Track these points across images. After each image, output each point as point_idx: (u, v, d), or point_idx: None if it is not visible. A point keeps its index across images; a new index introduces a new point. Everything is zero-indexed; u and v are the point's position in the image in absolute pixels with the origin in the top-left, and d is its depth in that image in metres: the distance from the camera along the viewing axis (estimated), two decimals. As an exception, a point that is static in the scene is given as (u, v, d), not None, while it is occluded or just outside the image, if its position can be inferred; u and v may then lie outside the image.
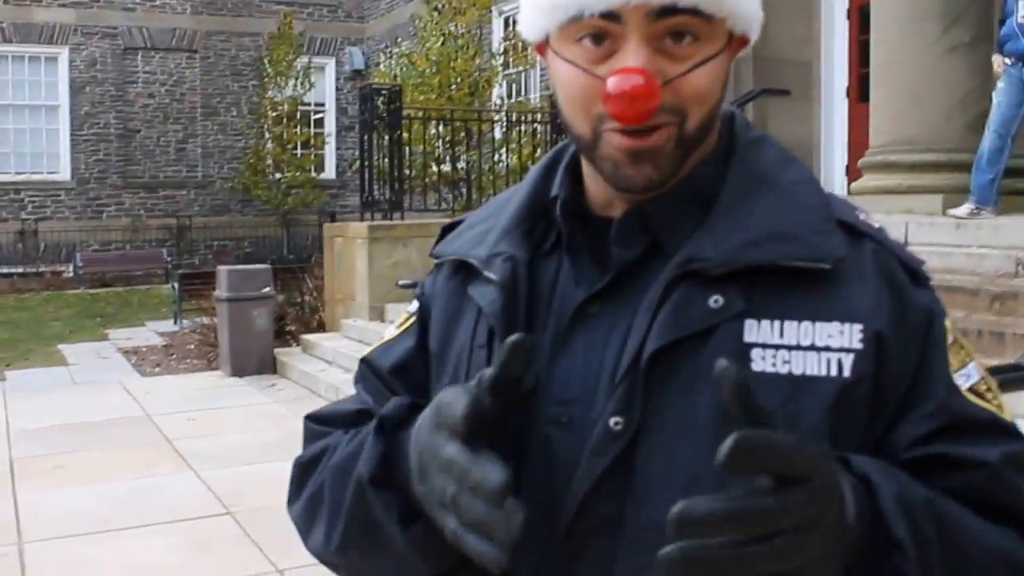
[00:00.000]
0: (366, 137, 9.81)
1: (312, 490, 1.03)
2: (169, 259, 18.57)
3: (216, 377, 9.16)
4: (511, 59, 12.50)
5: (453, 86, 11.17)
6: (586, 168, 0.99)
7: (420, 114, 10.51)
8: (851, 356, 0.87)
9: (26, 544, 4.87)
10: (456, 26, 11.59)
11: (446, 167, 11.16)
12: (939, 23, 7.85)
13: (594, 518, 0.89)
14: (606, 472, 0.88)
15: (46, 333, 12.29)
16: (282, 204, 18.77)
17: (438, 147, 10.90)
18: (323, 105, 21.07)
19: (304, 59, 19.34)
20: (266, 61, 19.60)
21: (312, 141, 19.73)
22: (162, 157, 20.06)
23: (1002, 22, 6.98)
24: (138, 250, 19.28)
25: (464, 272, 1.03)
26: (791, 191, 0.94)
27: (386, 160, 9.88)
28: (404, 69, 11.64)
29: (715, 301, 0.88)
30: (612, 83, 0.85)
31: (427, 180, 10.64)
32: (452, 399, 0.84)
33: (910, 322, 0.90)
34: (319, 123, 20.89)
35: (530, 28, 0.96)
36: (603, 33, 0.88)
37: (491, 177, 11.28)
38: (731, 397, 0.73)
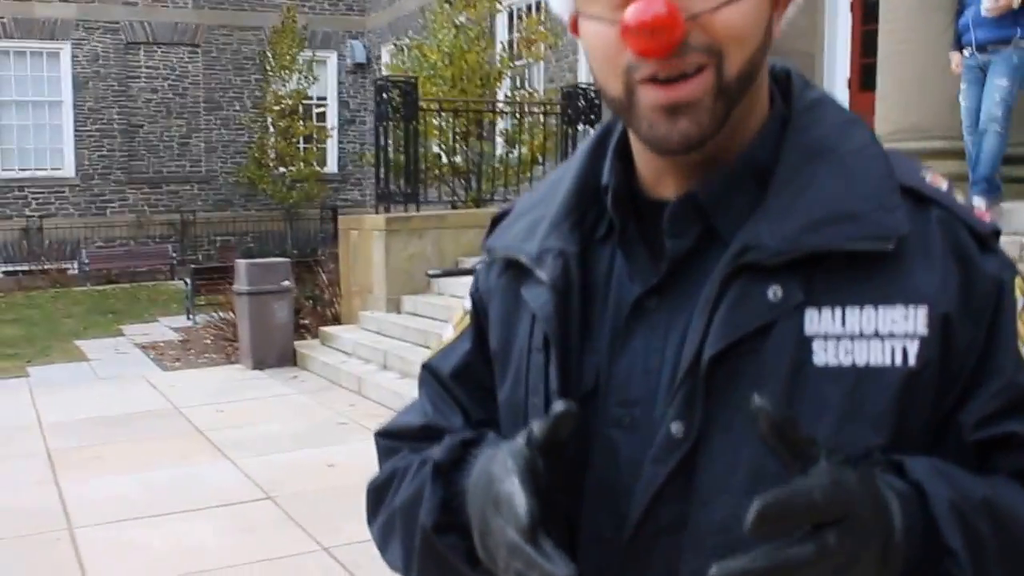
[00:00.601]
0: (381, 130, 10.03)
1: (384, 519, 1.06)
2: (175, 255, 18.80)
3: (237, 370, 9.41)
4: (520, 52, 12.71)
5: (464, 78, 11.38)
6: (634, 143, 0.96)
7: (435, 106, 10.73)
8: (916, 342, 0.85)
9: (76, 529, 5.13)
10: (467, 18, 11.80)
11: (458, 159, 11.38)
12: (948, 13, 8.09)
13: (658, 522, 0.89)
14: (669, 478, 0.88)
15: (61, 330, 12.53)
16: (287, 198, 18.98)
17: (451, 139, 11.12)
18: (324, 99, 21.27)
19: (308, 52, 19.52)
20: (269, 55, 19.80)
21: (316, 135, 19.91)
22: (165, 152, 20.27)
23: (959, 13, 7.13)
24: (143, 246, 19.51)
25: (516, 269, 1.02)
26: (851, 161, 0.90)
27: (401, 153, 10.10)
28: (415, 61, 11.84)
29: (774, 294, 0.86)
30: (630, 13, 0.81)
31: (441, 172, 10.87)
32: (499, 476, 0.85)
33: (978, 296, 0.87)
34: (320, 117, 21.09)
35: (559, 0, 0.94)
36: None
37: (502, 168, 11.52)
38: (771, 435, 0.75)
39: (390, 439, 1.11)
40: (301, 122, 19.31)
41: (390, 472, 1.06)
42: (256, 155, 19.42)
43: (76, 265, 18.89)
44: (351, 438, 6.56)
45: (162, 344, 11.16)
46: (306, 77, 19.20)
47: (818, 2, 11.56)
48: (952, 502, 0.82)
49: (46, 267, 18.43)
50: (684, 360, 0.88)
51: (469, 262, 8.87)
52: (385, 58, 21.12)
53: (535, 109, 11.67)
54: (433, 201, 11.11)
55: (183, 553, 4.78)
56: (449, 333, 1.12)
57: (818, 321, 0.85)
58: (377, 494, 1.07)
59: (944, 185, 0.92)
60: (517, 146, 11.37)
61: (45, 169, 19.59)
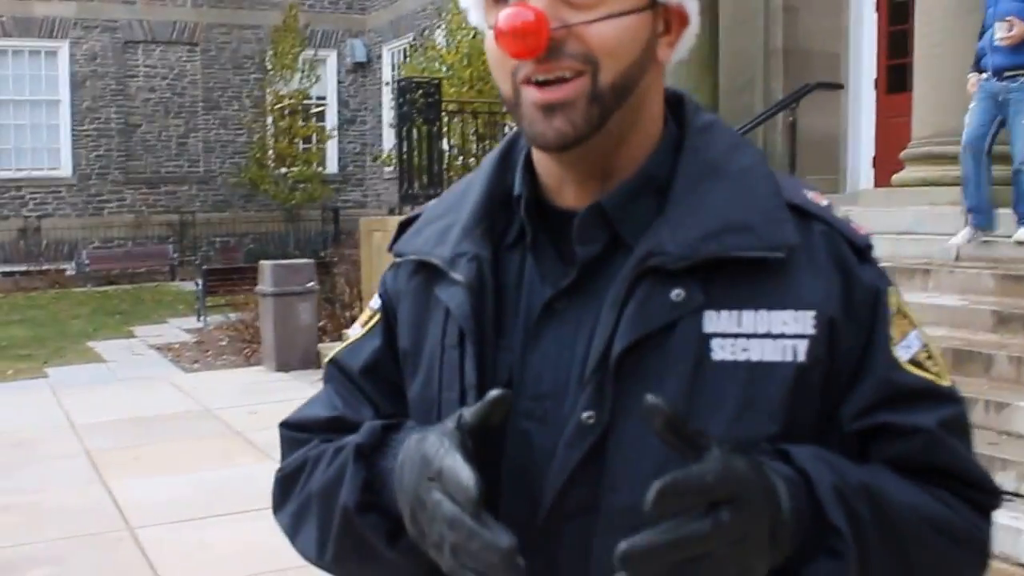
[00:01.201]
0: (404, 131, 10.03)
1: (296, 506, 1.08)
2: (176, 255, 18.73)
3: (261, 372, 9.41)
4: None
5: (481, 79, 11.39)
6: (536, 154, 1.03)
7: (457, 107, 10.74)
8: (805, 342, 0.94)
9: (137, 530, 5.13)
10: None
11: (472, 161, 11.39)
12: (982, 17, 8.19)
13: (571, 504, 0.95)
14: (581, 462, 0.94)
15: (70, 331, 12.47)
16: (289, 199, 18.94)
17: (472, 140, 11.14)
18: (324, 98, 21.24)
19: (310, 52, 19.51)
20: (270, 54, 19.77)
21: (318, 135, 19.89)
22: (163, 152, 20.22)
23: (980, 34, 7.14)
24: (142, 247, 19.45)
25: (428, 271, 1.07)
26: (742, 178, 0.98)
27: (424, 153, 10.09)
28: (432, 62, 11.87)
29: (677, 295, 0.94)
30: (502, 17, 0.90)
31: (461, 173, 10.87)
32: (438, 453, 0.89)
33: (858, 302, 0.97)
34: (319, 116, 21.05)
35: (474, 11, 1.03)
36: None
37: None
38: (664, 430, 0.83)
39: (296, 431, 1.13)
40: (303, 122, 19.27)
41: (302, 460, 1.08)
42: (257, 156, 19.37)
43: (74, 266, 18.81)
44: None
45: (177, 345, 11.12)
46: (308, 76, 19.16)
47: (843, 2, 11.66)
48: (834, 485, 0.90)
49: (44, 268, 18.34)
50: (593, 354, 0.95)
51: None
52: (386, 57, 21.15)
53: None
54: (423, 200, 11.09)
55: (250, 553, 4.78)
56: (357, 330, 1.16)
57: (716, 321, 0.94)
58: (287, 482, 1.10)
59: (824, 202, 1.01)
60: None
61: (42, 169, 19.55)
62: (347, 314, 10.57)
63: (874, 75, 11.54)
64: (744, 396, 0.92)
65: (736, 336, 0.93)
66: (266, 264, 9.48)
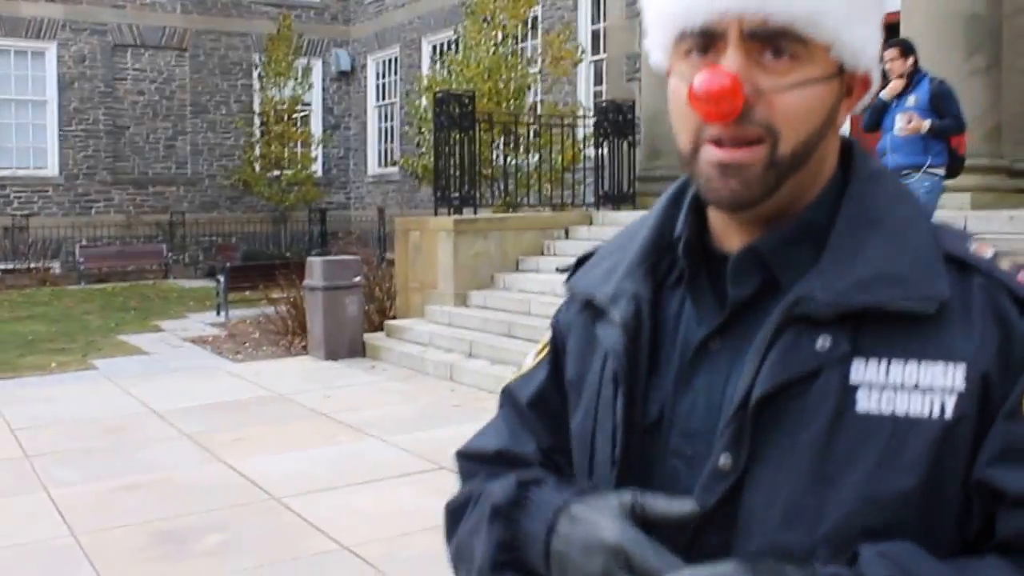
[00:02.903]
0: (441, 138, 10.41)
1: (455, 546, 1.11)
2: (170, 254, 18.76)
3: (310, 361, 9.66)
4: (547, 67, 13.22)
5: (499, 92, 11.84)
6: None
7: (487, 118, 11.15)
8: (954, 396, 0.88)
9: (284, 499, 5.39)
10: (501, 35, 12.26)
11: (498, 165, 11.80)
12: (962, 52, 8.99)
13: (705, 547, 0.93)
14: (716, 506, 0.93)
15: (91, 326, 12.53)
16: (283, 201, 19.10)
17: (498, 148, 11.56)
18: (309, 104, 21.43)
19: (304, 60, 19.70)
20: (260, 61, 19.92)
21: (312, 140, 20.09)
22: (151, 154, 20.21)
23: (882, 135, 7.28)
24: (130, 246, 19.40)
25: (593, 308, 1.08)
26: (900, 230, 0.95)
27: (457, 159, 10.47)
28: (452, 75, 12.27)
29: (822, 343, 0.91)
30: (697, 80, 0.89)
31: (493, 178, 11.27)
32: (629, 540, 0.91)
33: (1014, 356, 0.90)
34: (304, 121, 21.23)
35: (657, 52, 1.01)
36: (707, 45, 0.93)
37: (536, 175, 11.98)
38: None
39: (469, 461, 1.17)
40: (297, 127, 19.46)
41: (467, 495, 1.11)
42: (250, 158, 19.48)
43: (60, 264, 18.73)
44: (476, 417, 6.84)
45: (209, 338, 11.29)
46: (301, 83, 19.36)
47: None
48: None
49: (31, 266, 18.22)
50: (736, 398, 0.93)
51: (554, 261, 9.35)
52: (371, 67, 21.41)
53: (568, 122, 12.14)
54: (485, 205, 11.46)
55: (401, 514, 5.08)
56: (529, 360, 1.19)
57: (864, 371, 0.90)
58: (453, 515, 1.12)
59: (989, 253, 0.96)
60: (551, 155, 11.84)
61: (28, 168, 19.34)
62: (384, 306, 10.85)
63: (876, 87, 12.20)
64: (885, 450, 0.89)
65: (883, 388, 0.90)
66: (316, 260, 9.76)
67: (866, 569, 0.84)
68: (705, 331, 0.99)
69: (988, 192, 8.90)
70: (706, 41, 0.92)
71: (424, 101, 12.67)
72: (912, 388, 0.89)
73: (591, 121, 11.94)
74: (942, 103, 7.02)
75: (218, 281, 12.91)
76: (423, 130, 12.50)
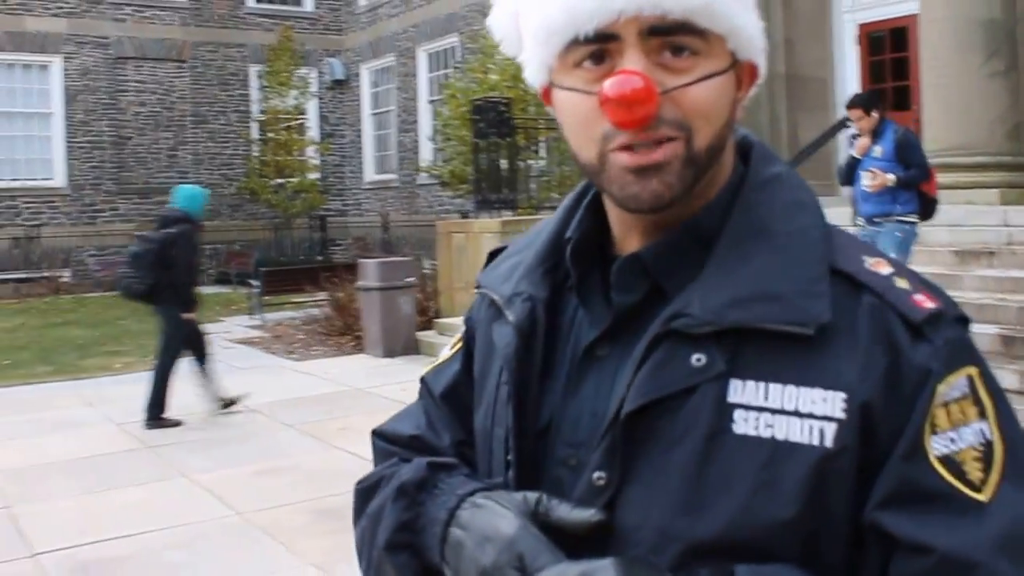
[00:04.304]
0: (480, 144, 10.89)
1: (361, 526, 1.07)
2: (182, 261, 19.00)
3: (369, 359, 10.10)
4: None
5: (522, 100, 12.32)
6: (607, 201, 0.97)
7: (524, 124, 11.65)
8: (833, 425, 0.83)
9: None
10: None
11: (523, 168, 12.29)
12: (981, 54, 9.63)
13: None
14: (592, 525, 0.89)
15: (132, 330, 12.81)
16: (290, 208, 19.43)
17: (529, 151, 12.06)
18: (304, 113, 21.76)
19: (304, 70, 20.04)
20: (257, 71, 20.24)
21: (298, 147, 20.41)
22: (155, 164, 20.43)
23: (853, 183, 7.58)
24: (143, 254, 19.60)
25: (495, 306, 1.04)
26: (787, 243, 0.90)
27: (495, 164, 10.97)
28: (475, 83, 12.73)
29: (697, 360, 0.86)
30: (608, 85, 0.84)
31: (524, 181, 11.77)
32: (526, 542, 0.87)
33: (903, 385, 0.84)
34: (301, 130, 21.53)
35: (535, 68, 0.95)
36: (602, 53, 0.88)
37: (560, 178, 12.51)
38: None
39: (385, 441, 1.13)
40: (298, 135, 19.81)
41: (377, 477, 1.07)
42: (256, 167, 19.78)
43: (69, 273, 18.90)
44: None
45: (255, 339, 11.67)
46: (303, 93, 19.70)
47: (827, 35, 13.04)
48: None
49: (44, 275, 18.37)
50: (610, 411, 0.89)
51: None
52: (364, 76, 21.79)
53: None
54: (521, 207, 11.94)
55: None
56: (446, 351, 1.16)
57: (742, 391, 0.85)
58: (362, 496, 1.08)
59: (886, 270, 0.90)
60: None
61: (36, 179, 19.47)
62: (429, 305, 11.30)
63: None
64: (761, 476, 0.83)
65: (760, 410, 0.84)
66: (370, 262, 10.21)
67: None
68: (595, 335, 0.95)
69: (1014, 189, 9.51)
70: (599, 48, 0.87)
71: (447, 110, 13.12)
72: (792, 413, 0.84)
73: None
74: (906, 153, 7.16)
75: (251, 286, 13.26)
76: (450, 138, 12.95)
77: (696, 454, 0.85)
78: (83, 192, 19.72)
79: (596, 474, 0.89)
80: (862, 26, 12.87)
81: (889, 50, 12.67)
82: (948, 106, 9.86)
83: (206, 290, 17.59)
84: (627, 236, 0.96)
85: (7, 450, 6.98)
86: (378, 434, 1.15)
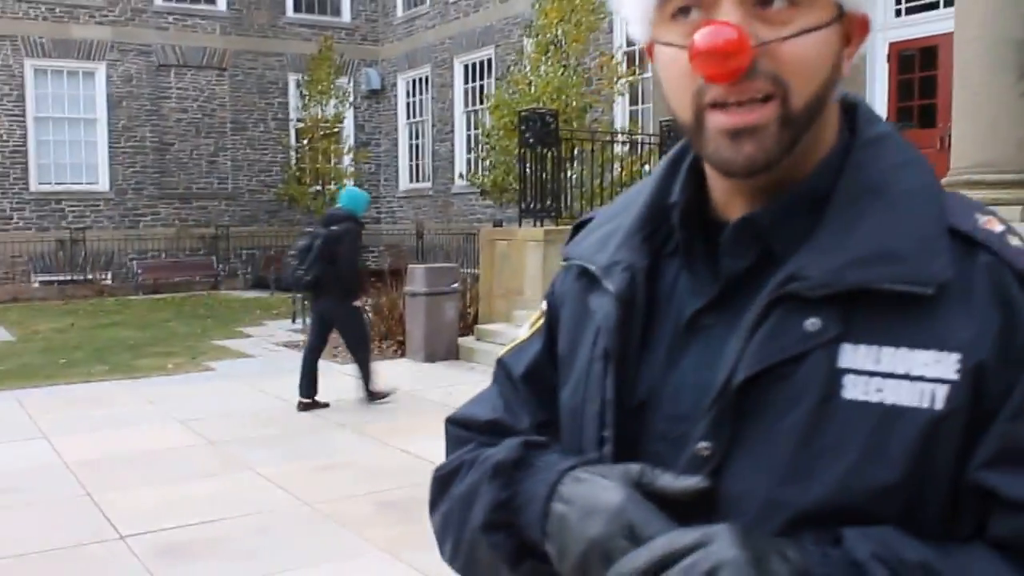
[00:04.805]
0: (525, 154, 11.22)
1: (444, 510, 1.05)
2: (221, 266, 19.49)
3: (410, 363, 10.44)
4: (604, 88, 14.07)
5: (564, 112, 12.67)
6: (707, 165, 0.94)
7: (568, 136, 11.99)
8: (945, 387, 0.81)
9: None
10: (576, 59, 13.10)
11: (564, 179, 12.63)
12: (1013, 74, 9.89)
13: None
14: (695, 495, 0.87)
15: (179, 332, 13.25)
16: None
17: (576, 162, 12.37)
18: (342, 121, 22.20)
19: (342, 80, 20.50)
20: (296, 80, 20.74)
21: (347, 156, 20.86)
22: (195, 169, 20.95)
23: None
24: (184, 257, 20.13)
25: (588, 277, 1.02)
26: (903, 201, 0.87)
27: (540, 174, 11.29)
28: (518, 94, 13.08)
29: (812, 324, 0.84)
30: (699, 37, 0.81)
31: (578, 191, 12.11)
32: (636, 512, 0.85)
33: (1016, 344, 0.82)
34: (336, 138, 21.96)
35: (637, 23, 0.93)
36: (696, 5, 0.85)
37: (600, 189, 12.83)
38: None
39: (460, 428, 1.11)
40: (337, 143, 20.26)
41: (457, 463, 1.05)
42: (294, 174, 20.24)
43: (111, 276, 19.41)
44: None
45: (300, 343, 12.01)
46: (342, 101, 20.15)
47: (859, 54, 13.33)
48: (875, 555, 0.80)
49: (88, 277, 18.89)
50: (719, 380, 0.87)
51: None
52: (401, 86, 22.22)
53: (637, 139, 13.02)
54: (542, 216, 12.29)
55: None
56: (523, 332, 1.13)
57: (853, 356, 0.84)
58: (442, 483, 1.07)
59: (999, 228, 0.89)
60: (619, 168, 12.64)
61: (80, 183, 20.00)
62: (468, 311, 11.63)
63: (884, 115, 13.17)
64: (869, 442, 0.82)
65: (871, 375, 0.83)
66: (418, 268, 10.55)
67: (851, 546, 0.80)
68: (699, 303, 0.94)
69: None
70: None
71: (490, 120, 13.47)
72: (902, 376, 0.82)
73: (653, 139, 12.74)
74: None
75: (291, 290, 13.66)
76: (493, 148, 13.28)
77: (805, 422, 0.84)
78: (126, 196, 20.24)
79: (702, 444, 0.87)
80: (892, 44, 13.16)
81: (918, 68, 12.96)
82: (977, 124, 10.13)
83: (247, 294, 18.08)
84: (730, 201, 0.94)
85: (78, 443, 7.36)
86: (453, 421, 1.13)
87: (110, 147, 20.16)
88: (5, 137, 19.20)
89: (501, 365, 1.13)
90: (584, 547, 0.86)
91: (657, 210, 1.00)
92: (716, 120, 0.85)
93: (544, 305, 1.11)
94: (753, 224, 0.91)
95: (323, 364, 10.50)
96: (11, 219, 19.27)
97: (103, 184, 20.17)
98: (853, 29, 0.91)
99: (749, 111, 0.84)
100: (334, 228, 8.16)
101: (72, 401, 9.00)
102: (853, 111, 0.96)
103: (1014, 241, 0.88)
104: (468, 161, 19.66)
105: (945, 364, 0.82)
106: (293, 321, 13.63)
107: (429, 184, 20.91)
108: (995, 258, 0.86)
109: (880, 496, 0.82)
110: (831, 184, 0.90)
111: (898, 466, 0.82)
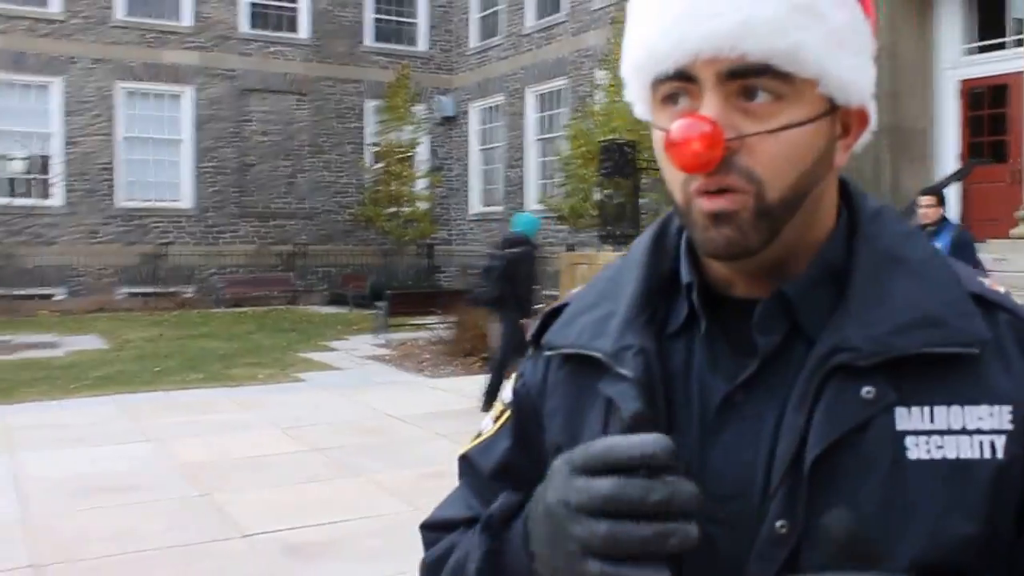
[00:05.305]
0: (606, 182, 11.39)
1: None
2: (299, 283, 19.83)
3: (496, 379, 10.59)
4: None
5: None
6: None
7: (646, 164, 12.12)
8: (1003, 438, 0.83)
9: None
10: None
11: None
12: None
13: None
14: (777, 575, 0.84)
15: (264, 344, 13.50)
16: (403, 235, 20.15)
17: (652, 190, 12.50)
18: (415, 147, 22.52)
19: (421, 107, 20.83)
20: (373, 106, 21.14)
21: (428, 180, 21.17)
22: (274, 190, 21.36)
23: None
24: (261, 274, 20.52)
25: (581, 363, 0.97)
26: (924, 269, 0.89)
27: (618, 200, 11.44)
28: (595, 125, 13.26)
29: (867, 392, 0.84)
30: (674, 128, 0.82)
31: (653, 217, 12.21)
32: (590, 446, 0.79)
33: None
34: (410, 163, 22.31)
35: (639, 102, 0.94)
36: (684, 92, 0.86)
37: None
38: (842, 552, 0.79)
39: (437, 532, 1.06)
40: (412, 168, 20.58)
41: (448, 546, 1.02)
42: (370, 196, 20.57)
43: (192, 290, 19.85)
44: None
45: (385, 357, 12.23)
46: (418, 127, 20.48)
47: (929, 89, 13.29)
48: None
49: (171, 290, 19.34)
50: (782, 456, 0.85)
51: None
52: (473, 114, 22.52)
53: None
54: (621, 240, 12.40)
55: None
56: (488, 425, 1.08)
57: (908, 418, 0.84)
58: (431, 569, 1.03)
59: (1003, 290, 0.93)
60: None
61: (165, 201, 20.49)
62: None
63: (958, 150, 13.15)
64: (945, 496, 0.82)
65: (929, 433, 0.84)
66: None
67: None
68: (724, 383, 0.91)
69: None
70: (683, 86, 0.85)
71: (568, 149, 13.64)
72: (959, 431, 0.84)
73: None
74: (962, 252, 7.18)
75: (370, 307, 13.88)
76: (570, 175, 13.46)
77: (881, 487, 0.83)
78: (207, 214, 20.69)
79: (778, 523, 0.84)
80: (964, 82, 13.13)
81: (987, 106, 12.91)
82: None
83: (325, 310, 18.38)
84: (732, 280, 0.93)
85: (186, 447, 7.55)
86: (428, 527, 1.07)
87: (194, 167, 20.62)
88: (96, 155, 19.74)
89: (467, 461, 1.08)
90: (550, 509, 0.80)
91: (652, 289, 0.97)
92: (700, 204, 0.86)
93: (508, 397, 1.06)
94: (784, 299, 0.89)
95: (410, 378, 10.71)
96: (98, 233, 19.77)
97: (186, 202, 20.63)
98: (851, 120, 0.91)
99: (720, 198, 0.84)
100: (514, 250, 8.68)
101: (173, 407, 9.22)
102: (844, 187, 0.96)
103: (1018, 301, 0.92)
104: (540, 186, 19.84)
105: (998, 416, 0.84)
106: (375, 336, 13.82)
107: (501, 208, 21.10)
108: (1012, 316, 0.89)
109: (961, 548, 0.82)
110: (844, 256, 0.91)
111: (974, 516, 0.83)
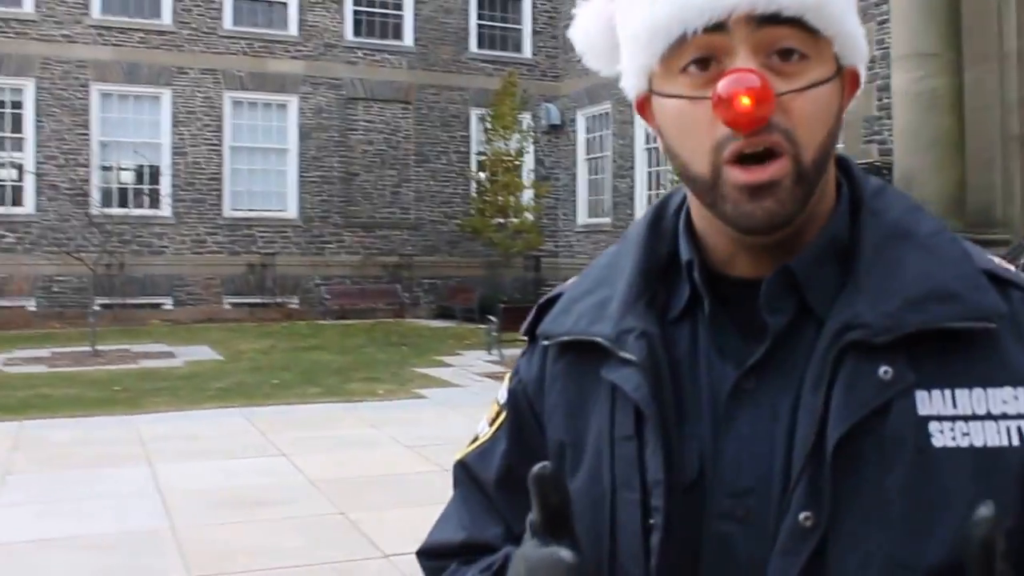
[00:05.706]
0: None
1: None
2: (406, 294, 20.20)
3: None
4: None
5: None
6: (702, 222, 0.93)
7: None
8: None
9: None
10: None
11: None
12: None
13: None
14: (802, 571, 0.82)
15: (377, 358, 13.78)
16: (511, 247, 20.34)
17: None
18: (522, 156, 22.71)
19: (527, 115, 21.03)
20: (478, 114, 21.42)
21: (535, 189, 21.34)
22: (379, 200, 21.80)
23: None
24: (367, 285, 20.96)
25: (582, 352, 0.96)
26: (933, 244, 0.88)
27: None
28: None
29: (885, 372, 0.82)
30: (723, 84, 0.80)
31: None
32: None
33: None
34: (517, 172, 22.50)
35: (633, 75, 0.91)
36: (708, 56, 0.84)
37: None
38: (979, 548, 0.71)
39: (433, 559, 1.05)
40: (519, 177, 20.76)
41: None
42: (477, 206, 20.83)
43: (297, 300, 20.39)
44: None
45: (500, 374, 12.35)
46: (525, 136, 20.66)
47: None
48: None
49: (278, 300, 19.89)
50: (802, 441, 0.83)
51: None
52: (580, 122, 22.62)
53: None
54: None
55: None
56: (484, 428, 1.06)
57: (930, 402, 0.82)
58: None
59: (1013, 268, 0.91)
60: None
61: (271, 210, 21.09)
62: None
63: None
64: (974, 487, 0.80)
65: (954, 419, 0.82)
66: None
67: None
68: (734, 368, 0.89)
69: None
70: (712, 46, 0.84)
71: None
72: (984, 417, 0.82)
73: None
74: None
75: (490, 321, 14.04)
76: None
77: (910, 474, 0.81)
78: (312, 224, 21.22)
79: (802, 515, 0.82)
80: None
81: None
82: None
83: (434, 323, 18.64)
84: (733, 259, 0.91)
85: (317, 462, 7.77)
86: (424, 554, 1.07)
87: (299, 176, 21.18)
88: (203, 165, 20.45)
89: (463, 468, 1.07)
90: None
91: (651, 272, 0.96)
92: (735, 176, 0.83)
93: (504, 397, 1.05)
94: (790, 275, 0.88)
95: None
96: (205, 243, 20.45)
97: (291, 211, 21.19)
98: (847, 83, 0.91)
99: (764, 168, 0.83)
100: None
101: (297, 421, 9.49)
102: (842, 162, 0.96)
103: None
104: (649, 197, 19.80)
105: (1022, 399, 0.83)
106: (489, 352, 13.97)
107: (608, 219, 21.13)
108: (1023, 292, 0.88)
109: None
110: (848, 233, 0.90)
111: (1008, 507, 0.80)
